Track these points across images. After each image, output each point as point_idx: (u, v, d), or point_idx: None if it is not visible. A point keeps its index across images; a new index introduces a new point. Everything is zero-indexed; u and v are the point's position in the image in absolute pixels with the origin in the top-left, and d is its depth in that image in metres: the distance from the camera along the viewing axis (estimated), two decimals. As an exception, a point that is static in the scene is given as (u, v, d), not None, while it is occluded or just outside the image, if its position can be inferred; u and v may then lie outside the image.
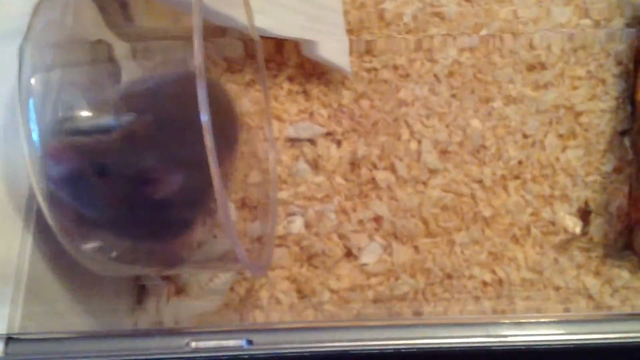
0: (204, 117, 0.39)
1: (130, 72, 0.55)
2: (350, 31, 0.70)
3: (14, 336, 0.43)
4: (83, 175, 0.46)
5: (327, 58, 0.65)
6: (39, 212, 0.47)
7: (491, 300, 0.59)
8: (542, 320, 0.45)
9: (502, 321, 0.44)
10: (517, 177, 0.65)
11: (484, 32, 0.70)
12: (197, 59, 0.40)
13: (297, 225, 0.62)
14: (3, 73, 0.48)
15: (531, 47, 0.70)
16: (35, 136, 0.46)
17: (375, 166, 0.64)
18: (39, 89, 0.48)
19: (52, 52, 0.50)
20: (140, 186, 0.47)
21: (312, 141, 0.66)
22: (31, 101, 0.47)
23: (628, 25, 0.71)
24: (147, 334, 0.44)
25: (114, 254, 0.50)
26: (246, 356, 0.43)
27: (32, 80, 0.48)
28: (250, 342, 0.43)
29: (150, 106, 0.52)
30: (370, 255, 0.60)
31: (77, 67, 0.52)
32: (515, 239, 0.61)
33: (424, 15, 0.70)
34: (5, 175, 0.48)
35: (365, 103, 0.67)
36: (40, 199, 0.46)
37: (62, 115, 0.49)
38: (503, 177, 0.64)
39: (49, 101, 0.48)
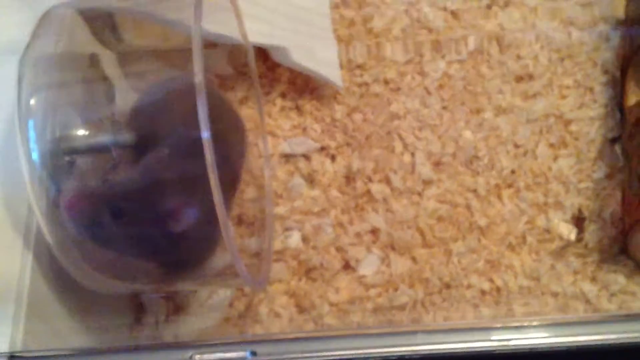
0: (205, 134, 0.40)
1: (124, 91, 0.56)
2: (340, 44, 0.71)
3: (17, 354, 0.44)
4: (100, 220, 0.46)
5: (317, 70, 0.66)
6: (39, 231, 0.48)
7: (490, 308, 0.60)
8: (542, 323, 0.46)
9: (502, 325, 0.45)
10: (510, 186, 0.66)
11: (471, 40, 0.72)
12: (198, 76, 0.41)
13: (295, 239, 0.63)
14: (2, 92, 0.49)
15: (519, 57, 0.72)
16: (34, 155, 0.47)
17: (370, 179, 0.65)
18: (37, 108, 0.49)
19: (50, 72, 0.51)
20: (152, 217, 0.48)
21: (306, 156, 0.67)
22: (30, 121, 0.48)
23: (612, 32, 0.73)
24: (149, 347, 0.45)
25: (113, 272, 0.51)
26: (250, 367, 0.44)
27: (31, 100, 0.49)
28: (254, 354, 0.44)
29: (148, 124, 0.53)
30: (369, 267, 0.61)
31: (73, 86, 0.53)
32: (512, 247, 0.63)
33: (412, 29, 0.72)
34: (5, 194, 0.49)
35: (357, 117, 0.69)
36: (39, 218, 0.47)
37: (60, 134, 0.50)
38: (497, 186, 0.66)
39: (47, 120, 0.49)
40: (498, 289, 0.61)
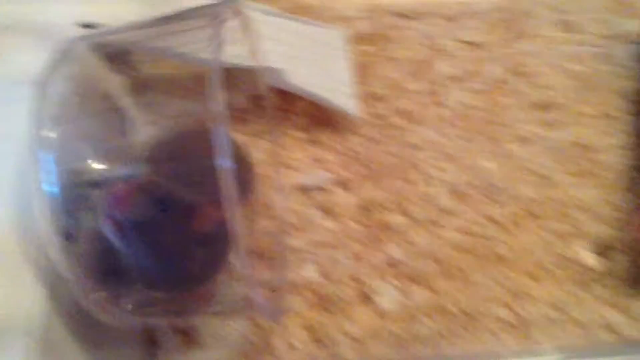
0: (226, 163, 0.40)
1: (139, 123, 0.57)
2: (357, 76, 0.72)
3: (28, 387, 0.44)
4: (146, 216, 0.47)
5: (333, 101, 0.67)
6: (52, 264, 0.48)
7: (513, 338, 0.58)
8: (567, 353, 0.45)
9: (526, 353, 0.44)
10: (533, 216, 0.65)
11: (491, 70, 0.73)
12: (217, 105, 0.42)
13: (310, 271, 0.62)
14: (17, 123, 0.50)
15: (539, 86, 0.72)
16: (48, 188, 0.48)
17: (387, 210, 0.65)
18: (51, 140, 0.50)
19: (64, 104, 0.52)
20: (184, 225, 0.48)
21: (322, 188, 0.67)
22: (45, 154, 0.49)
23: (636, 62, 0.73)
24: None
25: (129, 306, 0.51)
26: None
27: (45, 133, 0.49)
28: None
29: (163, 156, 0.53)
30: (387, 298, 0.61)
31: (89, 120, 0.54)
32: (534, 277, 0.62)
33: (432, 60, 0.73)
34: (18, 227, 0.49)
35: (375, 148, 0.69)
36: (53, 250, 0.48)
37: (74, 167, 0.50)
38: (519, 216, 0.65)
39: (61, 153, 0.50)
40: (521, 319, 0.59)
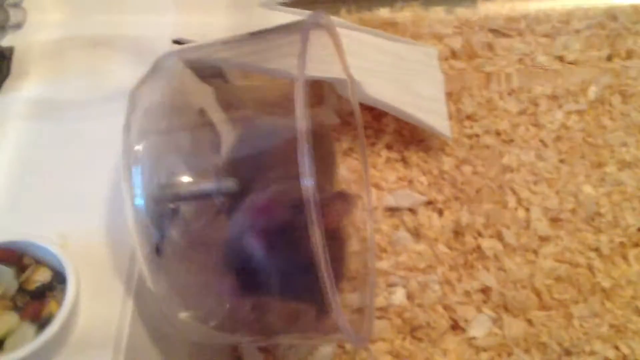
0: (308, 182, 0.39)
1: (229, 139, 0.57)
2: (449, 93, 0.70)
3: (114, 402, 0.44)
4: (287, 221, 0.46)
5: (424, 121, 0.65)
6: (141, 277, 0.49)
7: (616, 378, 0.55)
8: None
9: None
10: (637, 245, 0.62)
11: (592, 89, 0.69)
12: (300, 122, 0.41)
13: (399, 296, 0.61)
14: (111, 136, 0.50)
15: (644, 108, 0.69)
16: (139, 201, 0.48)
17: (480, 234, 0.63)
18: (143, 155, 0.50)
19: (157, 119, 0.52)
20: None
21: (412, 210, 0.65)
22: (136, 167, 0.49)
23: None
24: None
25: (213, 322, 0.50)
26: None
27: (138, 147, 0.50)
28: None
29: (253, 174, 0.53)
30: (479, 328, 0.58)
31: (180, 134, 0.54)
32: (639, 312, 0.58)
33: (526, 78, 0.70)
34: (109, 239, 0.50)
35: (467, 169, 0.67)
36: (142, 264, 0.48)
37: (166, 181, 0.50)
38: (622, 245, 0.62)
39: (153, 167, 0.50)
40: (624, 357, 0.56)
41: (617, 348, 0.57)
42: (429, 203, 0.66)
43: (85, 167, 0.53)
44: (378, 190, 0.67)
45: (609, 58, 0.74)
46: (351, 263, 0.62)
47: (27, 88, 0.60)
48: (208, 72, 0.58)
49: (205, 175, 0.52)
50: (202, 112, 0.56)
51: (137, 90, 0.52)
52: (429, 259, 0.62)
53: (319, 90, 0.66)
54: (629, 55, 0.73)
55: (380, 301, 0.60)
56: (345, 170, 0.66)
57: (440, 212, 0.65)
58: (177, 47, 0.62)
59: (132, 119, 0.50)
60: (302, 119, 0.41)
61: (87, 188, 0.52)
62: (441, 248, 0.63)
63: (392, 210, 0.66)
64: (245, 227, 0.47)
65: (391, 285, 0.61)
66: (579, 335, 0.57)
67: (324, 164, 0.56)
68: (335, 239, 0.55)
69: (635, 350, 0.56)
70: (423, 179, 0.67)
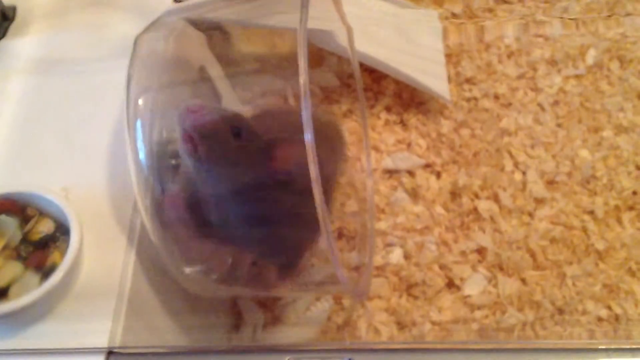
0: (308, 136, 0.40)
1: (229, 100, 0.57)
2: (449, 56, 0.70)
3: (115, 350, 0.45)
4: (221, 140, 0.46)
5: (424, 83, 0.66)
6: (143, 229, 0.50)
7: (607, 336, 0.56)
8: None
9: (623, 346, 0.42)
10: (631, 209, 0.63)
11: (590, 53, 0.70)
12: (302, 77, 0.41)
13: (396, 255, 0.62)
14: (112, 93, 0.51)
15: (643, 73, 0.69)
16: (141, 155, 0.49)
17: (477, 196, 0.64)
18: (145, 109, 0.51)
19: (158, 75, 0.53)
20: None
21: (410, 172, 0.66)
22: (138, 121, 0.50)
23: None
24: (245, 350, 0.45)
25: (215, 275, 0.51)
26: (348, 375, 0.43)
27: (139, 101, 0.50)
28: (352, 362, 0.43)
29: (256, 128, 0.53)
30: (474, 286, 0.59)
31: (181, 90, 0.55)
32: (632, 273, 0.59)
33: (527, 38, 0.71)
34: (112, 192, 0.51)
35: (465, 132, 0.67)
36: (144, 216, 0.49)
37: (166, 136, 0.51)
38: (616, 208, 0.63)
39: (155, 122, 0.51)
40: (616, 317, 0.57)
41: (609, 308, 0.58)
42: (427, 166, 0.66)
43: (87, 121, 0.54)
44: (377, 152, 0.67)
45: (609, 16, 0.74)
46: (350, 223, 0.63)
47: (30, 44, 0.60)
48: (209, 28, 0.58)
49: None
50: (202, 69, 0.56)
51: (138, 45, 0.52)
52: (426, 220, 0.63)
53: (318, 52, 0.67)
54: (629, 13, 0.74)
55: (377, 260, 0.61)
56: (345, 132, 0.66)
57: (438, 175, 0.66)
58: (178, 4, 0.62)
59: (134, 74, 0.50)
60: (303, 71, 0.41)
61: (89, 141, 0.53)
62: (438, 210, 0.64)
63: (391, 172, 0.67)
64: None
65: (389, 245, 0.63)
66: (572, 295, 0.58)
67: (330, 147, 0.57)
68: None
69: (628, 310, 0.57)
70: (422, 141, 0.68)
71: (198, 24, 0.58)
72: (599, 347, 0.43)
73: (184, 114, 0.45)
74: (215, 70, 0.58)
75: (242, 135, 0.46)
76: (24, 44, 0.61)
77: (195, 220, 0.48)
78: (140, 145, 0.49)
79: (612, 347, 0.42)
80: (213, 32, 0.60)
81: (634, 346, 0.42)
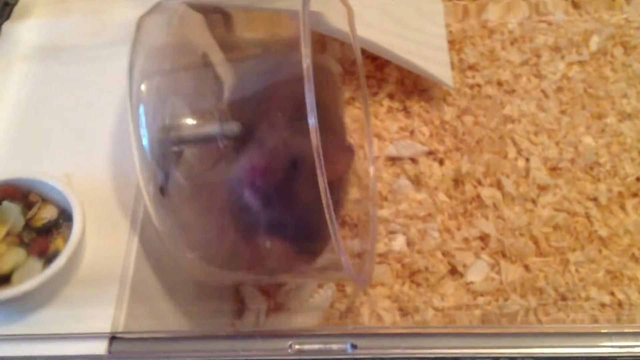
0: (311, 120, 0.40)
1: (232, 81, 0.57)
2: (452, 42, 0.70)
3: (118, 335, 0.45)
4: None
5: (427, 70, 0.65)
6: (146, 215, 0.50)
7: (610, 322, 0.56)
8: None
9: (626, 330, 0.42)
10: (635, 195, 0.63)
11: (594, 40, 0.70)
12: (306, 60, 0.41)
13: (399, 242, 0.62)
14: (115, 79, 0.51)
15: (647, 59, 0.69)
16: (144, 141, 0.49)
17: (480, 183, 0.64)
18: (148, 95, 0.51)
19: (160, 60, 0.53)
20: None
21: (413, 160, 0.66)
22: (141, 107, 0.50)
23: None
24: (249, 335, 0.45)
25: (217, 261, 0.51)
26: (350, 360, 0.43)
27: (142, 86, 0.50)
28: (354, 347, 0.43)
29: (256, 115, 0.53)
30: (477, 273, 0.59)
31: (183, 77, 0.55)
32: (636, 259, 0.59)
33: (530, 23, 0.70)
34: (115, 178, 0.51)
35: (468, 119, 0.67)
36: (147, 202, 0.49)
37: (169, 122, 0.51)
38: (620, 194, 0.62)
39: (158, 108, 0.51)
40: (620, 303, 0.57)
41: (612, 294, 0.58)
42: (430, 153, 0.66)
43: (90, 107, 0.54)
44: (380, 140, 0.67)
45: (616, 6, 0.74)
46: (353, 210, 0.63)
47: (32, 29, 0.60)
48: (210, 12, 0.58)
49: (208, 118, 0.53)
50: (205, 55, 0.56)
51: (140, 29, 0.52)
52: (429, 208, 0.63)
53: (320, 39, 0.67)
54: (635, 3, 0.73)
55: (380, 247, 0.61)
56: (347, 120, 0.66)
57: (441, 162, 0.66)
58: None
59: (136, 59, 0.50)
60: (306, 54, 0.41)
61: (92, 127, 0.53)
62: (441, 197, 0.64)
63: (394, 160, 0.66)
64: (246, 184, 0.48)
65: (391, 232, 0.63)
66: (575, 281, 0.58)
67: (328, 108, 0.57)
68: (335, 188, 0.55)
69: (631, 296, 0.57)
70: (424, 129, 0.67)
71: (199, 8, 0.58)
72: (602, 330, 0.43)
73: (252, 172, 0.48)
74: (217, 56, 0.58)
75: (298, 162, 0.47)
76: (26, 28, 0.61)
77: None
78: (143, 131, 0.49)
79: (614, 331, 0.42)
80: (214, 15, 0.59)
81: (636, 330, 0.42)
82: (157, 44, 0.53)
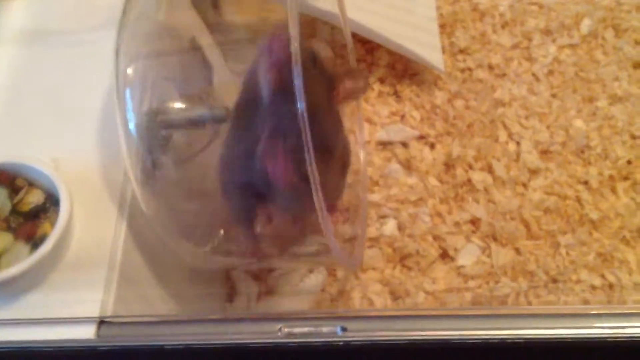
0: (301, 105, 0.39)
1: (220, 70, 0.57)
2: (442, 26, 0.70)
3: (107, 319, 0.45)
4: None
5: (418, 53, 0.65)
6: (134, 199, 0.49)
7: (601, 305, 0.56)
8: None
9: (618, 312, 0.42)
10: (626, 178, 0.63)
11: (585, 23, 0.69)
12: (294, 44, 0.41)
13: (390, 227, 0.61)
14: (101, 63, 0.50)
15: (637, 43, 0.69)
16: (131, 125, 0.48)
17: (471, 167, 0.63)
18: (134, 78, 0.50)
19: (148, 43, 0.52)
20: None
21: (404, 144, 0.66)
22: (128, 91, 0.49)
23: None
24: (238, 319, 0.45)
25: (208, 245, 0.51)
26: (340, 342, 0.43)
27: (128, 70, 0.50)
28: (344, 329, 0.43)
29: (245, 99, 0.52)
30: (468, 256, 0.59)
31: (171, 60, 0.54)
32: (626, 241, 0.59)
33: (521, 6, 0.70)
34: (102, 163, 0.50)
35: (459, 104, 0.67)
36: (135, 186, 0.48)
37: (157, 106, 0.50)
38: (611, 178, 0.62)
39: (145, 91, 0.50)
40: (610, 285, 0.57)
41: (603, 276, 0.58)
42: (421, 137, 0.66)
43: (77, 91, 0.53)
44: (370, 124, 0.67)
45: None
46: (344, 195, 0.62)
47: (18, 12, 0.60)
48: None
49: (196, 101, 0.52)
50: (193, 38, 0.55)
51: (127, 13, 0.51)
52: (420, 192, 0.63)
53: (311, 23, 0.66)
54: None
55: (371, 232, 0.61)
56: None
57: (432, 146, 0.66)
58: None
59: (122, 42, 0.50)
60: (295, 37, 0.40)
61: (79, 111, 0.52)
62: (432, 181, 0.63)
63: (384, 144, 0.66)
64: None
65: (382, 216, 0.62)
66: (566, 264, 0.58)
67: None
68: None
69: (622, 279, 0.57)
70: (415, 113, 0.67)
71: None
72: (592, 312, 0.43)
73: (273, 40, 0.43)
74: (205, 39, 0.57)
75: (316, 62, 0.45)
76: (12, 11, 0.60)
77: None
78: (130, 115, 0.48)
79: (605, 312, 0.42)
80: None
81: (627, 311, 0.42)
82: (144, 26, 0.52)
